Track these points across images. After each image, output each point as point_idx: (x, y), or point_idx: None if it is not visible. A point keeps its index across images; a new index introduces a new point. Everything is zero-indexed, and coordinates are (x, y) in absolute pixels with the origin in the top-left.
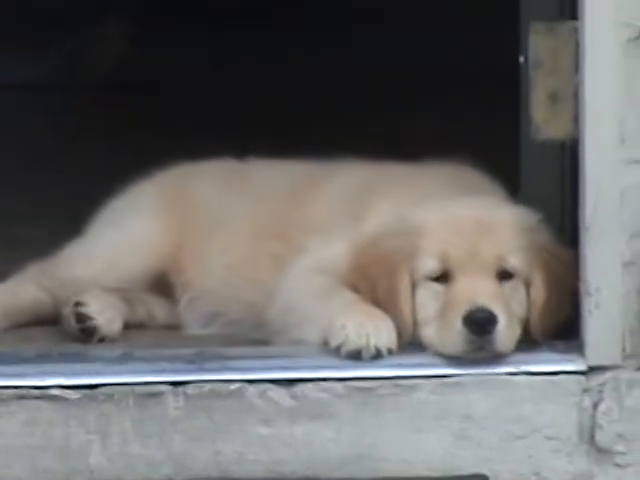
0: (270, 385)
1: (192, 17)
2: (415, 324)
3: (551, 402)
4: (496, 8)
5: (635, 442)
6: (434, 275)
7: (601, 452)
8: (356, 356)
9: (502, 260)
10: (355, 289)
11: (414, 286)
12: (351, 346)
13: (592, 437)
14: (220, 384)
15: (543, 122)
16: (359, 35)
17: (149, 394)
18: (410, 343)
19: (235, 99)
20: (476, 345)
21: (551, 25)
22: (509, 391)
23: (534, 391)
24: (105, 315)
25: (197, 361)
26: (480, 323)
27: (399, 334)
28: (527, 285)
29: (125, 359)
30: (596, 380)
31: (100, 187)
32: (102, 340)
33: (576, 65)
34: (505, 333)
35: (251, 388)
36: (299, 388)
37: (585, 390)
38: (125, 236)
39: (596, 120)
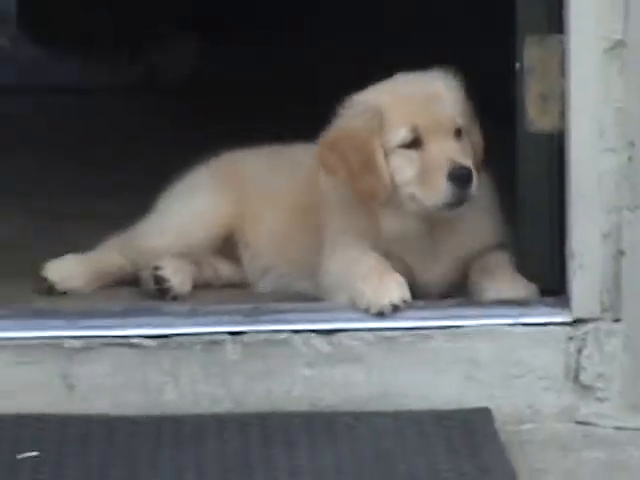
0: (312, 334)
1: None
2: (393, 186)
3: (543, 348)
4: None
5: (612, 381)
6: (406, 142)
7: (584, 389)
8: (380, 313)
9: (455, 122)
10: (329, 168)
11: (386, 155)
12: (373, 309)
13: (577, 377)
14: (271, 334)
15: (536, 117)
16: None
17: (213, 342)
18: (415, 291)
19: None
20: (458, 197)
21: (541, 37)
22: (509, 339)
23: (529, 339)
24: (178, 277)
25: (252, 314)
26: (463, 178)
27: (380, 194)
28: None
29: (193, 313)
30: (580, 330)
31: (170, 170)
32: (175, 298)
33: (562, 70)
34: (475, 185)
35: (297, 337)
36: (336, 337)
37: (571, 338)
38: (191, 209)
39: (579, 116)
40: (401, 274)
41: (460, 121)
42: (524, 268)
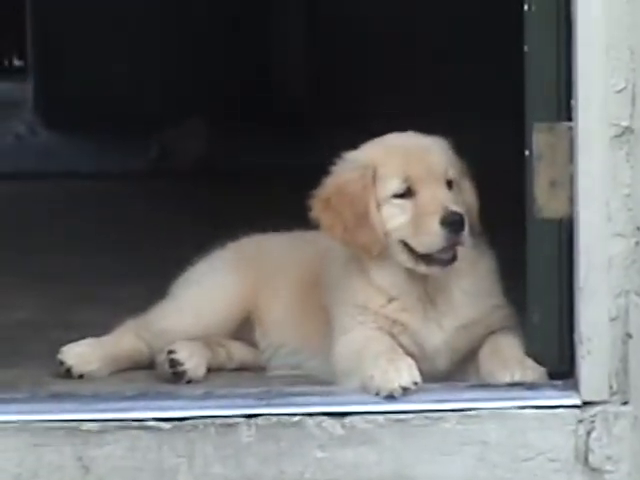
0: (325, 417)
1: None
2: (386, 236)
3: (553, 430)
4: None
5: (621, 463)
6: (399, 192)
7: (594, 471)
8: (390, 396)
9: (447, 172)
10: (324, 225)
11: (379, 207)
12: (383, 392)
13: (586, 459)
14: (284, 417)
15: (544, 203)
16: None
17: (227, 425)
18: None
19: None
20: (451, 242)
21: (550, 125)
22: (518, 422)
23: (539, 421)
24: (193, 361)
25: (265, 398)
26: (456, 223)
27: (374, 247)
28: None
29: (207, 396)
30: (589, 412)
31: (186, 254)
32: (189, 382)
33: (571, 157)
34: (467, 230)
35: (310, 420)
36: (348, 420)
37: (580, 421)
38: (208, 292)
39: (587, 202)
40: (407, 345)
41: (451, 173)
42: (533, 351)
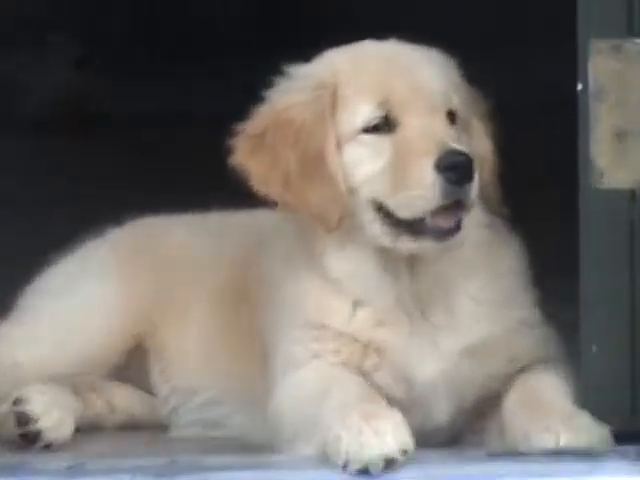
0: None
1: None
2: (351, 193)
3: None
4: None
5: None
6: (372, 124)
7: None
8: (365, 472)
9: (447, 99)
10: (252, 174)
11: (339, 146)
12: (354, 465)
13: None
14: None
15: (607, 167)
16: None
17: None
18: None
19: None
20: (452, 197)
21: (616, 44)
22: None
23: None
24: (51, 416)
25: (167, 473)
26: (459, 167)
27: (332, 213)
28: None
29: (75, 473)
30: None
31: (42, 246)
32: (48, 447)
33: None
34: (476, 183)
35: None
36: None
37: None
38: (77, 308)
39: None
40: (386, 383)
41: (455, 102)
42: (589, 400)
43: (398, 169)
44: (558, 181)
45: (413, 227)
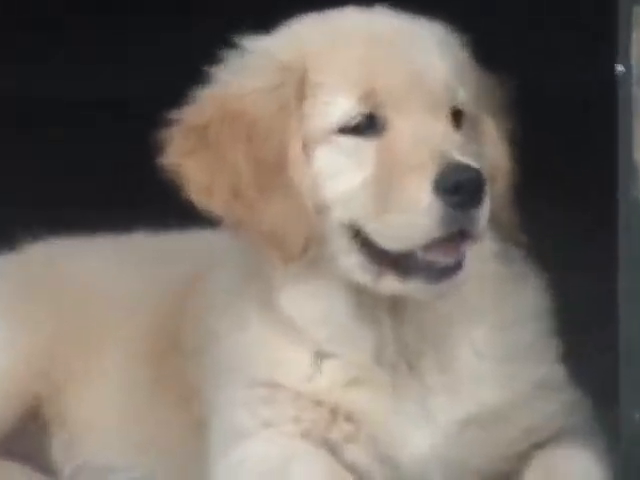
0: None
1: None
2: (319, 212)
3: None
4: None
5: None
6: (352, 123)
7: None
8: None
9: (452, 93)
10: (192, 180)
11: (307, 149)
12: None
13: None
14: None
15: None
16: None
17: None
18: None
19: None
20: (454, 227)
21: None
22: None
23: None
24: None
25: None
26: (465, 188)
27: (294, 233)
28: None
29: None
30: None
31: None
32: None
33: None
34: (487, 208)
35: None
36: None
37: None
38: None
39: None
40: (363, 462)
41: (462, 96)
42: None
43: (384, 185)
44: (592, 194)
45: (400, 262)
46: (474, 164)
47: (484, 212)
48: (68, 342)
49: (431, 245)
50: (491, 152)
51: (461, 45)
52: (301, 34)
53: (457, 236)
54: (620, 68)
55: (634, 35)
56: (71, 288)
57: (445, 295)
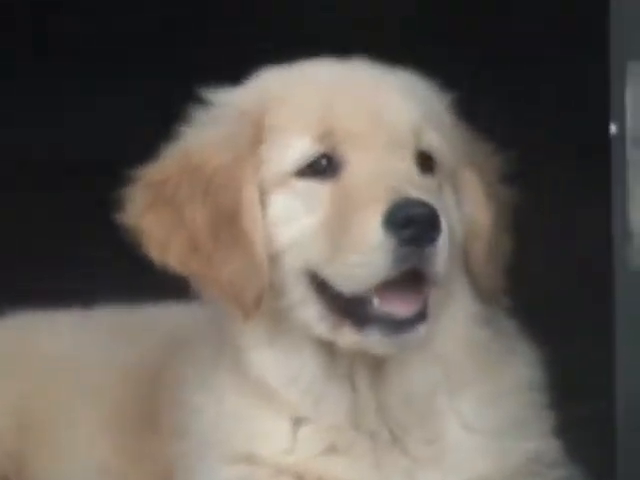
0: None
1: None
2: (274, 261)
3: None
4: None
5: None
6: (306, 163)
7: None
8: None
9: (418, 135)
10: (150, 238)
11: (264, 197)
12: None
13: None
14: None
15: None
16: None
17: None
18: None
19: None
20: (408, 264)
21: None
22: None
23: None
24: None
25: None
26: (417, 221)
27: (250, 287)
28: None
29: None
30: None
31: None
32: None
33: None
34: (445, 248)
35: None
36: None
37: None
38: None
39: None
40: None
41: (432, 140)
42: None
43: (338, 225)
44: (587, 260)
45: (357, 311)
46: (429, 201)
47: (441, 251)
48: (36, 418)
49: (387, 290)
50: (471, 207)
51: (437, 94)
52: (264, 82)
53: (413, 280)
54: (614, 129)
55: (628, 89)
56: (40, 363)
57: (404, 349)
